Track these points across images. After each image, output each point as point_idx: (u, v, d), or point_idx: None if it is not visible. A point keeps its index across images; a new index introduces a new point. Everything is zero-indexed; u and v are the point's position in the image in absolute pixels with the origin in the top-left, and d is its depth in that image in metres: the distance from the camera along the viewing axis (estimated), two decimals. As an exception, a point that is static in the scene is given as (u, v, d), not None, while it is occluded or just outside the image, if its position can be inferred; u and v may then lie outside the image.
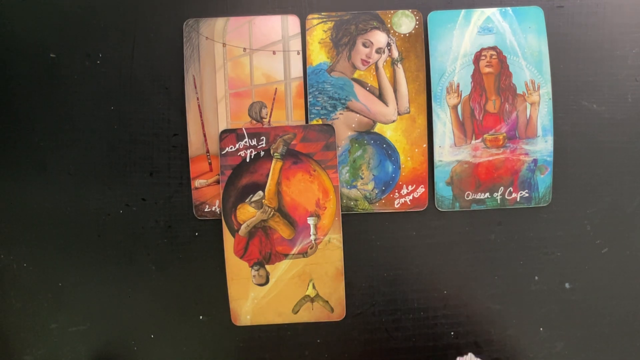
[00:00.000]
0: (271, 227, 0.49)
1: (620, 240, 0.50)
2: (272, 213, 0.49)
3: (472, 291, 0.50)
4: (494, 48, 0.49)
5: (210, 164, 0.49)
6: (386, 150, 0.49)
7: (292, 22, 0.49)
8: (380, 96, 0.49)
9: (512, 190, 0.49)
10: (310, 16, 0.49)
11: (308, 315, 0.50)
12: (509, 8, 0.49)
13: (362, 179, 0.50)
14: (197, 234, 0.50)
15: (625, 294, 0.50)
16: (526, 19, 0.49)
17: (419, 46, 0.49)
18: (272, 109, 0.49)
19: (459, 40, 0.49)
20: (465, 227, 0.50)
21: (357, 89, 0.49)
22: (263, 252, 0.49)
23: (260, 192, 0.49)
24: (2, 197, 0.50)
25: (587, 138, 0.50)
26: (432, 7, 0.49)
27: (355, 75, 0.49)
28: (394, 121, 0.49)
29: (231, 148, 0.49)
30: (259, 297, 0.49)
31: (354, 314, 0.51)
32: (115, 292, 0.51)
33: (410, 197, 0.50)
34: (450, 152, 0.49)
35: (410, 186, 0.50)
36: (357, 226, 0.50)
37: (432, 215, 0.50)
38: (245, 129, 0.49)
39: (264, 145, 0.49)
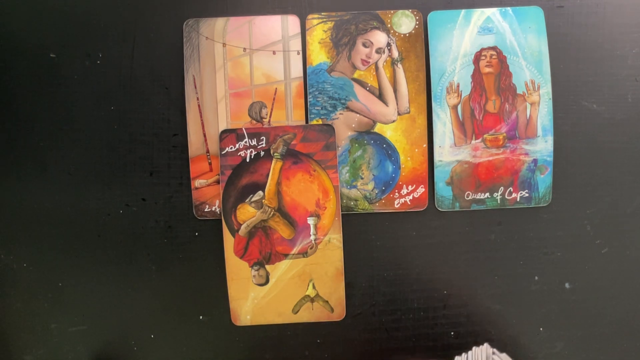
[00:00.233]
0: (271, 227, 0.49)
1: (620, 240, 0.50)
2: (272, 213, 0.49)
3: (472, 291, 0.50)
4: (494, 48, 0.49)
5: (210, 164, 0.49)
6: (386, 150, 0.49)
7: (292, 22, 0.49)
8: (380, 96, 0.49)
9: (512, 190, 0.49)
10: (310, 16, 0.49)
11: (308, 315, 0.50)
12: (509, 8, 0.49)
13: (362, 179, 0.50)
14: (197, 234, 0.50)
15: (625, 294, 0.50)
16: (526, 19, 0.49)
17: (419, 46, 0.49)
18: (272, 109, 0.49)
19: (459, 40, 0.49)
20: (465, 227, 0.50)
21: (357, 89, 0.49)
22: (263, 252, 0.49)
23: (260, 192, 0.49)
24: (2, 197, 0.50)
25: (587, 138, 0.50)
26: (432, 7, 0.49)
27: (355, 75, 0.49)
28: (394, 121, 0.49)
29: (231, 148, 0.49)
30: (259, 297, 0.49)
31: (354, 314, 0.51)
32: (115, 292, 0.51)
33: (410, 197, 0.50)
34: (450, 152, 0.49)
35: (410, 186, 0.50)
36: (357, 226, 0.50)
37: (432, 215, 0.50)
38: (245, 129, 0.49)
39: (264, 145, 0.49)
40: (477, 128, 0.49)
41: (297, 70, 0.49)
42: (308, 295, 0.50)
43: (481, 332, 0.51)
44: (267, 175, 0.49)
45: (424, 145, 0.49)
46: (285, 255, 0.49)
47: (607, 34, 0.49)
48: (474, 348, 0.41)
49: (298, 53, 0.49)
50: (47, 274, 0.51)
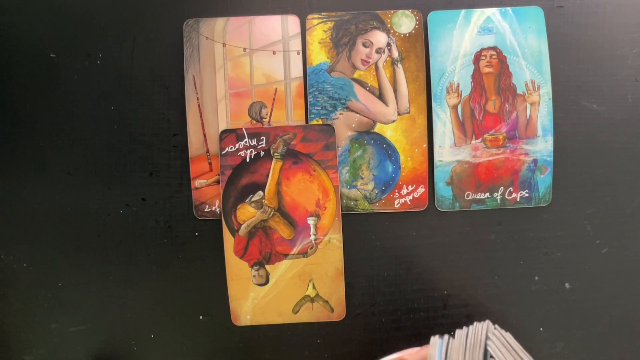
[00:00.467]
0: (271, 227, 0.49)
1: (620, 240, 0.50)
2: (272, 213, 0.49)
3: (472, 291, 0.50)
4: (494, 48, 0.49)
5: (210, 164, 0.49)
6: (386, 150, 0.49)
7: (292, 22, 0.49)
8: (380, 96, 0.49)
9: (512, 190, 0.49)
10: (310, 16, 0.49)
11: (308, 315, 0.50)
12: (509, 8, 0.49)
13: (362, 179, 0.50)
14: (197, 234, 0.50)
15: (625, 294, 0.50)
16: (526, 19, 0.49)
17: (419, 46, 0.49)
18: (272, 109, 0.49)
19: (459, 40, 0.49)
20: (465, 227, 0.50)
21: (357, 89, 0.49)
22: (263, 252, 0.49)
23: (260, 192, 0.49)
24: (2, 197, 0.50)
25: (587, 138, 0.50)
26: (432, 7, 0.49)
27: (355, 75, 0.49)
28: (394, 121, 0.49)
29: (231, 148, 0.49)
30: (259, 297, 0.49)
31: (354, 314, 0.51)
32: (115, 292, 0.51)
33: (410, 197, 0.50)
34: (450, 152, 0.49)
35: (410, 186, 0.50)
36: (357, 226, 0.50)
37: (432, 215, 0.50)
38: (245, 129, 0.49)
39: (264, 145, 0.49)
40: (477, 128, 0.49)
41: (297, 70, 0.49)
42: (308, 295, 0.50)
43: (481, 332, 0.51)
44: (267, 175, 0.49)
45: (424, 145, 0.49)
46: (285, 255, 0.49)
47: (607, 34, 0.49)
48: (475, 323, 0.41)
49: (298, 53, 0.49)
50: (47, 274, 0.51)
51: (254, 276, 0.49)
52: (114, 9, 0.49)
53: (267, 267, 0.49)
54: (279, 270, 0.49)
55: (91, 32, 0.49)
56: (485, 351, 0.39)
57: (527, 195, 0.50)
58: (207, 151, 0.49)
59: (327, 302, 0.50)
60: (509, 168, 0.49)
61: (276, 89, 0.49)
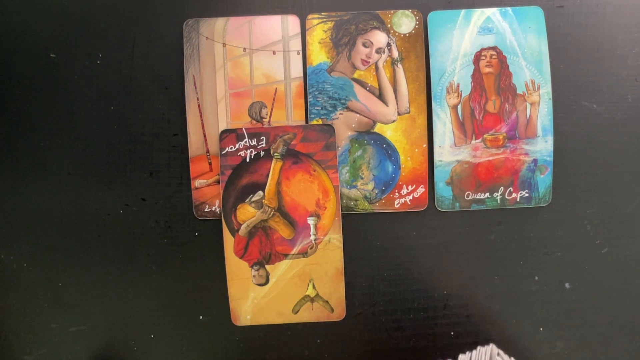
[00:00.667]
0: (271, 227, 0.49)
1: (620, 240, 0.50)
2: (272, 213, 0.49)
3: (472, 291, 0.50)
4: (494, 48, 0.49)
5: (210, 164, 0.49)
6: (386, 150, 0.49)
7: (292, 22, 0.49)
8: (380, 96, 0.49)
9: (512, 190, 0.49)
10: (310, 16, 0.49)
11: (308, 315, 0.50)
12: (509, 8, 0.49)
13: (362, 179, 0.50)
14: (197, 234, 0.50)
15: (625, 294, 0.50)
16: (526, 19, 0.49)
17: (419, 46, 0.49)
18: (272, 109, 0.49)
19: (459, 40, 0.49)
20: (465, 227, 0.50)
21: (357, 89, 0.49)
22: (263, 252, 0.49)
23: (260, 192, 0.49)
24: (2, 197, 0.50)
25: (587, 138, 0.50)
26: (432, 7, 0.49)
27: (355, 75, 0.49)
28: (394, 121, 0.49)
29: (231, 148, 0.49)
30: (259, 297, 0.49)
31: (354, 314, 0.51)
32: (115, 292, 0.51)
33: (410, 197, 0.50)
34: (450, 152, 0.49)
35: (410, 186, 0.50)
36: (357, 226, 0.50)
37: (432, 215, 0.50)
38: (245, 129, 0.49)
39: (264, 145, 0.49)
40: (477, 128, 0.49)
41: (297, 70, 0.49)
42: (308, 295, 0.50)
43: (481, 332, 0.51)
44: (267, 175, 0.49)
45: (424, 145, 0.49)
46: (285, 255, 0.49)
47: (607, 34, 0.49)
48: (478, 347, 0.40)
49: (298, 53, 0.49)
50: (47, 274, 0.51)
51: (254, 276, 0.49)
52: (114, 9, 0.49)
53: (267, 267, 0.49)
54: (279, 270, 0.49)
55: (91, 32, 0.49)
56: None
57: (527, 195, 0.50)
58: (207, 151, 0.49)
59: (327, 302, 0.50)
60: (509, 168, 0.49)
61: (276, 89, 0.49)
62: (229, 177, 0.49)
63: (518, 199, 0.50)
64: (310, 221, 0.49)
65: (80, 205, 0.50)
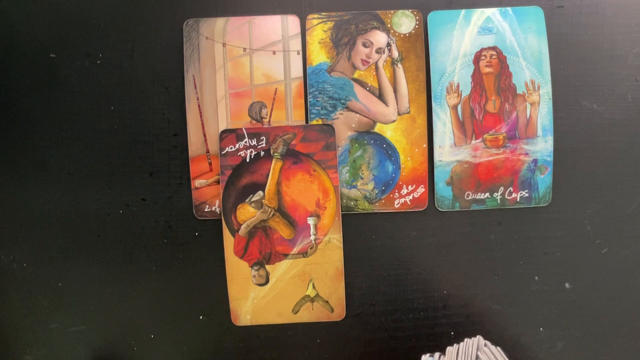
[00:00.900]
0: (271, 227, 0.49)
1: (620, 240, 0.50)
2: (272, 213, 0.49)
3: (472, 291, 0.50)
4: (494, 48, 0.49)
5: (210, 164, 0.49)
6: (386, 150, 0.49)
7: (292, 22, 0.49)
8: (380, 96, 0.49)
9: (512, 190, 0.49)
10: (310, 16, 0.49)
11: (308, 315, 0.50)
12: (509, 8, 0.49)
13: (362, 179, 0.50)
14: (197, 234, 0.50)
15: (625, 294, 0.50)
16: (526, 19, 0.49)
17: (419, 46, 0.49)
18: (272, 109, 0.49)
19: (459, 40, 0.49)
20: (465, 227, 0.50)
21: (357, 89, 0.49)
22: (263, 252, 0.49)
23: (260, 192, 0.49)
24: (2, 197, 0.50)
25: (587, 138, 0.50)
26: (432, 7, 0.49)
27: (355, 75, 0.49)
28: (394, 121, 0.49)
29: (231, 148, 0.49)
30: (259, 297, 0.49)
31: (354, 314, 0.51)
32: (115, 292, 0.51)
33: (410, 197, 0.50)
34: (450, 152, 0.49)
35: (410, 186, 0.50)
36: (357, 226, 0.50)
37: (432, 215, 0.50)
38: (245, 129, 0.49)
39: (264, 145, 0.49)
40: (477, 128, 0.49)
41: (297, 70, 0.49)
42: (308, 295, 0.50)
43: (481, 332, 0.51)
44: (267, 175, 0.49)
45: (424, 145, 0.49)
46: (285, 255, 0.49)
47: (607, 34, 0.49)
48: (466, 339, 0.41)
49: (298, 53, 0.49)
50: (47, 274, 0.51)
51: (254, 276, 0.49)
52: (114, 9, 0.49)
53: (267, 267, 0.49)
54: (279, 270, 0.49)
55: (91, 32, 0.49)
56: None
57: (527, 195, 0.50)
58: (207, 151, 0.49)
59: (327, 302, 0.50)
60: (509, 168, 0.49)
61: (276, 89, 0.49)
62: (229, 177, 0.49)
63: (518, 199, 0.50)
64: (310, 221, 0.49)
65: (80, 205, 0.50)
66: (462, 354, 0.39)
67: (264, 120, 0.49)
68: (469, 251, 0.50)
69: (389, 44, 0.49)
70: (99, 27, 0.49)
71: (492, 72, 0.49)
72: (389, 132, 0.49)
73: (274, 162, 0.49)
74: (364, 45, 0.49)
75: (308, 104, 0.49)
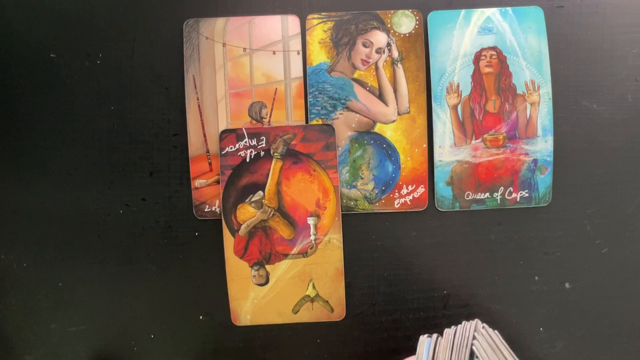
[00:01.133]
0: (271, 227, 0.49)
1: (620, 240, 0.50)
2: (272, 213, 0.49)
3: (472, 291, 0.50)
4: (494, 48, 0.49)
5: (210, 164, 0.49)
6: (386, 150, 0.49)
7: (292, 22, 0.49)
8: (380, 96, 0.49)
9: (512, 190, 0.49)
10: (310, 16, 0.49)
11: (308, 315, 0.50)
12: (509, 8, 0.49)
13: (362, 179, 0.50)
14: (197, 234, 0.50)
15: (625, 294, 0.50)
16: (526, 19, 0.49)
17: (419, 46, 0.49)
18: (272, 109, 0.49)
19: (459, 40, 0.49)
20: (465, 227, 0.50)
21: (357, 89, 0.49)
22: (263, 252, 0.49)
23: (260, 192, 0.49)
24: (2, 197, 0.50)
25: (587, 138, 0.50)
26: (432, 7, 0.49)
27: (355, 75, 0.49)
28: (394, 121, 0.49)
29: (231, 148, 0.49)
30: (259, 297, 0.49)
31: (354, 314, 0.51)
32: (115, 292, 0.51)
33: (410, 197, 0.50)
34: (450, 152, 0.49)
35: (410, 186, 0.50)
36: (357, 226, 0.50)
37: (432, 215, 0.50)
38: (245, 129, 0.49)
39: (264, 145, 0.49)
40: (477, 128, 0.49)
41: (297, 70, 0.49)
42: (308, 295, 0.50)
43: (481, 332, 0.51)
44: (267, 175, 0.49)
45: (424, 145, 0.49)
46: (285, 255, 0.49)
47: (607, 34, 0.49)
48: (463, 322, 0.41)
49: (298, 53, 0.49)
50: (47, 274, 0.51)
51: (254, 276, 0.49)
52: (114, 9, 0.49)
53: (267, 267, 0.49)
54: (279, 270, 0.49)
55: (91, 32, 0.49)
56: (472, 350, 0.39)
57: (527, 195, 0.50)
58: (207, 151, 0.49)
59: (327, 302, 0.50)
60: (509, 168, 0.49)
61: (276, 89, 0.49)
62: (229, 177, 0.49)
63: (518, 199, 0.50)
64: (310, 221, 0.49)
65: (80, 205, 0.50)
66: (459, 336, 0.40)
67: (264, 120, 0.49)
68: (469, 251, 0.50)
69: (389, 44, 0.49)
70: (99, 27, 0.49)
71: (492, 72, 0.49)
72: (389, 132, 0.49)
73: (274, 162, 0.49)
74: (364, 45, 0.49)
75: (308, 104, 0.49)
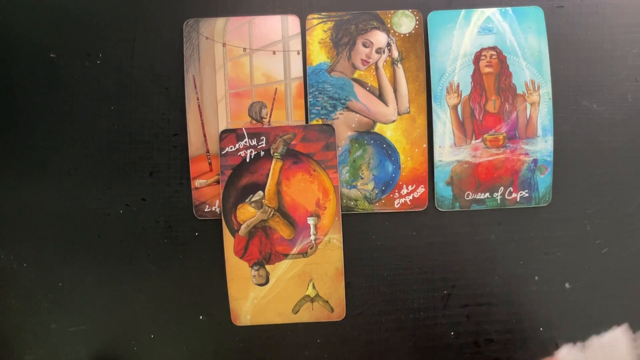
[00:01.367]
0: (271, 227, 0.49)
1: (620, 240, 0.50)
2: (272, 213, 0.49)
3: (472, 291, 0.50)
4: (494, 48, 0.49)
5: (210, 164, 0.49)
6: (386, 150, 0.49)
7: (292, 22, 0.49)
8: (380, 96, 0.49)
9: (512, 190, 0.49)
10: (310, 16, 0.49)
11: (308, 315, 0.50)
12: (509, 8, 0.49)
13: (362, 179, 0.50)
14: (197, 234, 0.50)
15: (625, 294, 0.50)
16: (526, 19, 0.49)
17: (419, 46, 0.49)
18: (272, 109, 0.49)
19: (459, 40, 0.49)
20: (465, 227, 0.50)
21: (357, 89, 0.49)
22: (263, 252, 0.49)
23: (260, 192, 0.49)
24: (2, 197, 0.50)
25: (587, 138, 0.50)
26: (432, 7, 0.49)
27: (355, 75, 0.49)
28: (394, 121, 0.49)
29: (231, 148, 0.49)
30: (259, 297, 0.49)
31: (354, 314, 0.51)
32: (115, 292, 0.51)
33: (410, 197, 0.50)
34: (450, 152, 0.49)
35: (410, 186, 0.50)
36: (357, 226, 0.50)
37: (432, 215, 0.50)
38: (245, 129, 0.49)
39: (264, 145, 0.49)
40: (477, 128, 0.49)
41: (297, 70, 0.49)
42: (308, 295, 0.50)
43: (481, 332, 0.51)
44: (267, 175, 0.49)
45: (424, 145, 0.49)
46: (285, 255, 0.49)
47: (607, 34, 0.49)
48: (614, 327, 0.40)
49: (298, 53, 0.49)
50: (47, 274, 0.51)
51: (254, 276, 0.49)
52: (114, 9, 0.49)
53: (267, 267, 0.49)
54: (279, 270, 0.49)
55: (91, 32, 0.49)
56: None
57: (527, 195, 0.50)
58: (207, 151, 0.49)
59: (327, 302, 0.50)
60: (509, 168, 0.49)
61: (276, 89, 0.49)
62: (229, 177, 0.49)
63: (518, 199, 0.50)
64: (310, 221, 0.49)
65: (80, 205, 0.50)
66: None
67: (264, 120, 0.49)
68: (469, 251, 0.50)
69: (389, 44, 0.49)
70: (99, 27, 0.49)
71: (492, 72, 0.49)
72: (389, 132, 0.49)
73: (274, 162, 0.49)
74: (364, 45, 0.49)
75: (308, 104, 0.49)
